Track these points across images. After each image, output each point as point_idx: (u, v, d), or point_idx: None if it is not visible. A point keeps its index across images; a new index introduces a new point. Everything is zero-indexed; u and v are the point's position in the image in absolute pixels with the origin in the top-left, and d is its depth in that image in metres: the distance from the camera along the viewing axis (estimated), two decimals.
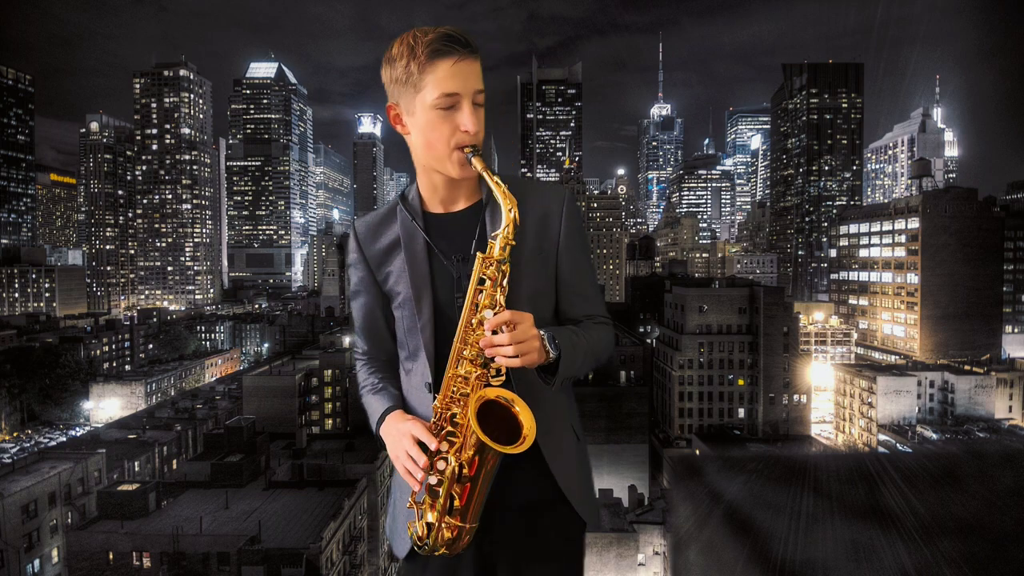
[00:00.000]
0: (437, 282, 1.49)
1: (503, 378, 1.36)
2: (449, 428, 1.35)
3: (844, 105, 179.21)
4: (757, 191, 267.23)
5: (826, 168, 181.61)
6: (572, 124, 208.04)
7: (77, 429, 71.64)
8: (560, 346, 1.36)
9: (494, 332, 1.31)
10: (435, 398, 1.40)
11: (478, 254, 1.37)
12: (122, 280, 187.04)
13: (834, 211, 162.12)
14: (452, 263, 1.49)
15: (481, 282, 1.36)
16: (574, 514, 1.55)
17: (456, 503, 1.32)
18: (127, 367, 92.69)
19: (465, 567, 1.50)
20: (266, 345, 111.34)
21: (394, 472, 1.58)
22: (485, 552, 1.51)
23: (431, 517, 1.33)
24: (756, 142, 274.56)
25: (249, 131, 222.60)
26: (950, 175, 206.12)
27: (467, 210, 1.51)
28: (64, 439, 64.09)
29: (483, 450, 1.29)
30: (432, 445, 1.32)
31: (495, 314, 1.33)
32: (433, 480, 1.33)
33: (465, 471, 1.30)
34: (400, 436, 1.38)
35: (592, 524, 1.59)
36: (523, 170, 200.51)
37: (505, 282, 1.36)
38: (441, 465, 1.32)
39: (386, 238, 1.54)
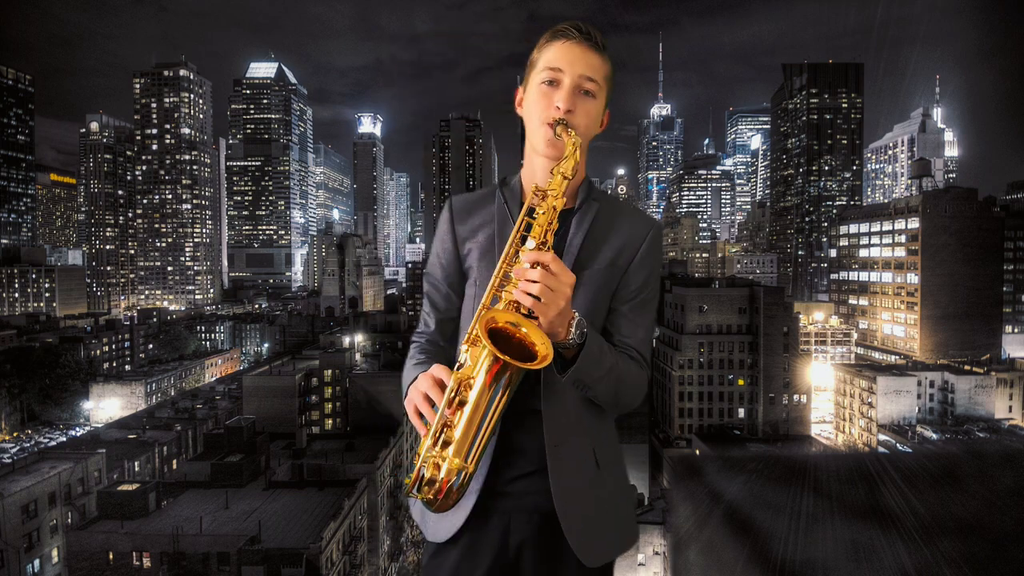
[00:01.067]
0: None
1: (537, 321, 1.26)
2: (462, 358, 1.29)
3: (844, 105, 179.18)
4: (757, 191, 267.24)
5: (826, 168, 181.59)
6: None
7: (77, 429, 71.65)
8: (587, 337, 1.30)
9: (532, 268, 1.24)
10: None
11: (534, 184, 1.37)
12: (122, 280, 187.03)
13: (834, 211, 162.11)
14: None
15: (531, 212, 1.33)
16: (581, 569, 1.43)
17: (448, 433, 1.22)
18: (127, 367, 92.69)
19: (484, 556, 1.45)
20: (266, 345, 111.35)
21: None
22: (506, 563, 1.44)
23: (429, 456, 1.25)
24: (756, 142, 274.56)
25: (249, 131, 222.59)
26: (950, 175, 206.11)
27: (561, 212, 1.44)
28: (64, 439, 64.09)
29: (492, 372, 1.20)
30: (448, 380, 1.25)
31: (537, 246, 1.28)
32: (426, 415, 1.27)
33: (464, 392, 1.22)
34: (420, 380, 1.33)
35: (588, 563, 1.45)
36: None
37: (554, 220, 1.32)
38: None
39: (479, 217, 1.53)
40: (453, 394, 1.22)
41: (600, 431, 1.52)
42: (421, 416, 1.28)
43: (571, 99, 1.38)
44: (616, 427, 1.60)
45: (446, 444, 1.21)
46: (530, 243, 1.29)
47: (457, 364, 1.28)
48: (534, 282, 1.21)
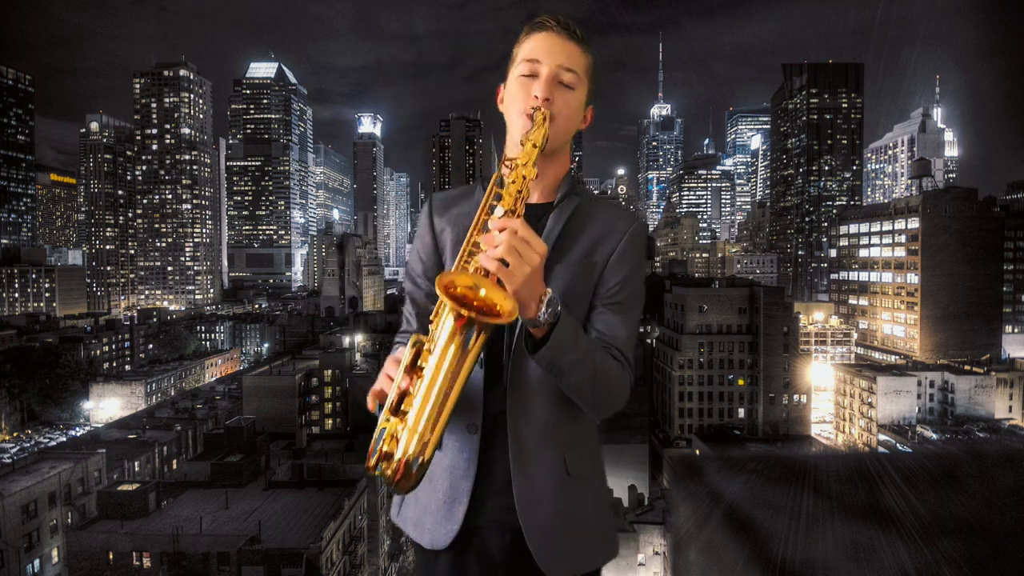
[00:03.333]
0: None
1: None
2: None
3: (844, 105, 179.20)
4: (757, 191, 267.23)
5: (826, 168, 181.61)
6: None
7: (77, 429, 71.64)
8: (560, 316, 1.21)
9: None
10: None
11: (504, 157, 1.33)
12: (122, 280, 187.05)
13: (834, 211, 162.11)
14: None
15: (500, 184, 1.27)
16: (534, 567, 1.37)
17: (406, 402, 1.13)
18: (127, 367, 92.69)
19: (472, 567, 1.41)
20: (266, 345, 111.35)
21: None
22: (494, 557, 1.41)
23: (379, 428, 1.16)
24: (756, 142, 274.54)
25: (249, 131, 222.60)
26: (950, 175, 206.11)
27: (539, 206, 1.44)
28: (64, 439, 64.09)
29: (453, 331, 1.10)
30: (410, 348, 1.15)
31: (506, 213, 1.20)
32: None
33: (423, 355, 1.13)
34: (385, 365, 1.28)
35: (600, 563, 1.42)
36: None
37: (526, 192, 1.24)
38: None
39: (457, 208, 1.50)
40: (411, 360, 1.13)
41: (574, 437, 1.44)
42: (382, 401, 1.19)
43: (549, 88, 1.35)
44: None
45: (404, 413, 1.12)
46: (499, 210, 1.20)
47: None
48: (497, 246, 1.13)
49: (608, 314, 1.41)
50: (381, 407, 1.17)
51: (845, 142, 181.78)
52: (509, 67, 1.44)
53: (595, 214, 1.44)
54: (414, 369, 1.12)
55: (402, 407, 1.12)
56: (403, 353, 1.15)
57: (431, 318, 1.18)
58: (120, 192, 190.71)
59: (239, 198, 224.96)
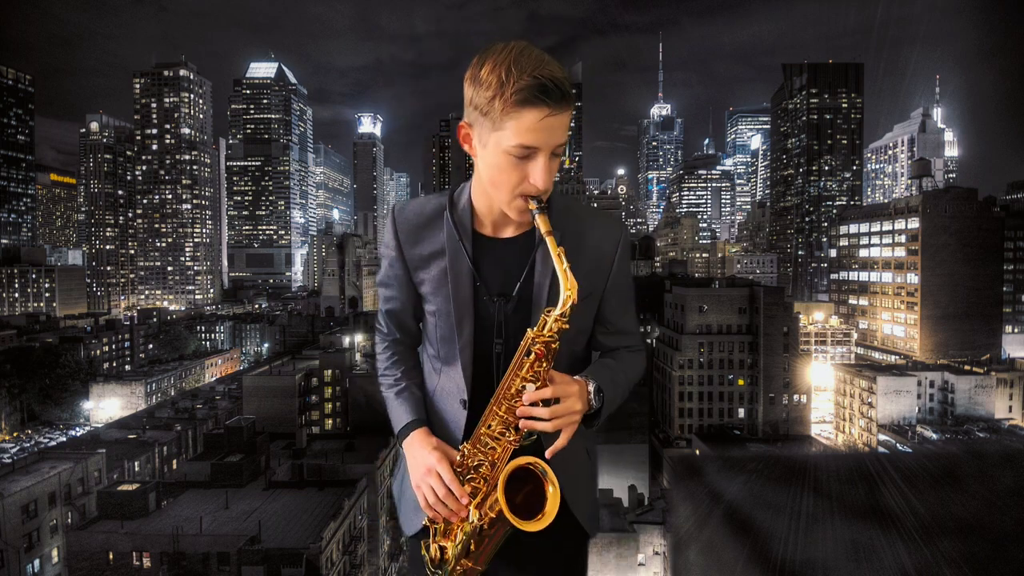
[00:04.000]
0: (479, 310, 1.46)
1: (534, 437, 1.35)
2: (473, 475, 1.37)
3: (844, 105, 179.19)
4: (757, 191, 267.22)
5: (826, 168, 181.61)
6: (572, 124, 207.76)
7: (77, 429, 71.64)
8: (604, 397, 1.38)
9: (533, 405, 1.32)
10: (466, 415, 1.47)
11: (528, 331, 1.32)
12: (122, 280, 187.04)
13: (834, 211, 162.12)
14: (492, 302, 1.45)
15: (527, 354, 1.31)
16: (576, 524, 1.55)
17: (472, 547, 1.36)
18: (127, 367, 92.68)
19: None
20: (266, 345, 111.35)
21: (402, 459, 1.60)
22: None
23: (448, 551, 1.39)
24: (756, 142, 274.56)
25: (249, 131, 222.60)
26: (950, 175, 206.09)
27: (518, 238, 1.45)
28: (64, 439, 64.08)
29: (502, 519, 1.30)
30: (458, 493, 1.35)
31: (537, 388, 1.30)
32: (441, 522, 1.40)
33: (484, 529, 1.34)
34: (425, 468, 1.40)
35: (593, 534, 1.62)
36: None
37: (551, 357, 1.32)
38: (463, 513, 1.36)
39: (429, 245, 1.47)
40: (477, 529, 1.34)
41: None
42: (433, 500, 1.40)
43: (548, 178, 1.27)
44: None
45: (469, 555, 1.38)
46: (530, 387, 1.32)
47: (467, 470, 1.38)
48: (545, 420, 1.29)
49: (621, 329, 1.55)
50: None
51: (845, 142, 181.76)
52: (479, 114, 1.25)
53: (580, 238, 1.43)
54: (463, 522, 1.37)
55: (468, 549, 1.38)
56: (453, 484, 1.36)
57: (483, 469, 1.36)
58: (120, 192, 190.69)
59: (239, 198, 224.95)
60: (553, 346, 1.30)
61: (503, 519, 1.30)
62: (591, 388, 1.36)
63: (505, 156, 1.25)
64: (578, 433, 1.45)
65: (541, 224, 1.28)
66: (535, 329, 1.31)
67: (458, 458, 1.39)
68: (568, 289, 1.27)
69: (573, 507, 1.52)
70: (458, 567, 1.38)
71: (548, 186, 1.28)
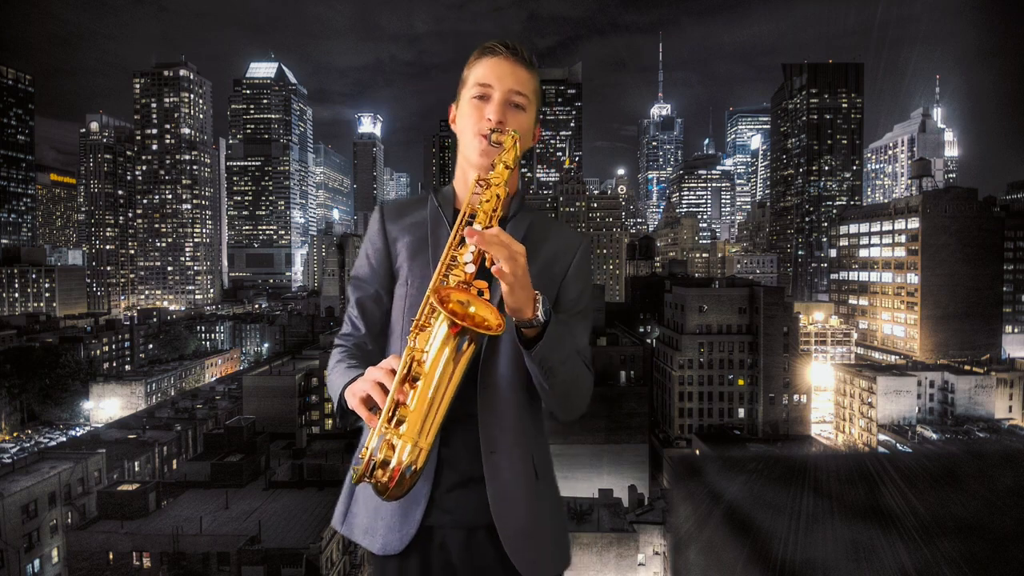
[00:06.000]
0: None
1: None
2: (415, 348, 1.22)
3: (844, 105, 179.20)
4: (757, 191, 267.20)
5: (826, 168, 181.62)
6: (572, 124, 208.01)
7: (77, 429, 71.63)
8: (551, 315, 1.29)
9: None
10: None
11: (474, 180, 1.37)
12: (122, 280, 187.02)
13: (834, 211, 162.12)
14: None
15: (472, 217, 1.31)
16: (506, 561, 1.40)
17: (401, 411, 1.16)
18: (127, 367, 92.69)
19: (428, 569, 1.43)
20: (266, 345, 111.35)
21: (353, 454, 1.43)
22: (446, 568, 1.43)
23: (375, 437, 1.18)
24: (756, 142, 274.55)
25: (249, 131, 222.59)
26: (950, 175, 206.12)
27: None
28: (64, 439, 64.08)
29: (447, 340, 1.16)
30: (405, 355, 1.20)
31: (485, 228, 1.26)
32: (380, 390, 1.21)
33: (415, 366, 1.18)
34: (370, 371, 1.24)
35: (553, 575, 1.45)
36: (523, 170, 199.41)
37: (498, 211, 1.31)
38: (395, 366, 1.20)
39: (411, 218, 1.55)
40: (406, 370, 1.18)
41: (537, 440, 1.50)
42: (371, 408, 1.20)
43: (501, 111, 1.42)
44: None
45: (399, 422, 1.15)
46: (476, 226, 1.28)
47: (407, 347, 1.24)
48: (499, 244, 1.20)
49: (571, 324, 1.47)
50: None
51: (845, 142, 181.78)
52: (460, 89, 1.49)
53: (548, 231, 1.53)
54: (406, 379, 1.17)
55: (396, 415, 1.16)
56: (392, 362, 1.20)
57: (413, 328, 1.22)
58: (120, 192, 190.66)
59: (239, 198, 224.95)
60: (498, 192, 1.31)
61: (450, 332, 1.16)
62: (538, 294, 1.27)
63: (470, 103, 1.45)
64: (520, 444, 1.42)
65: (500, 137, 1.38)
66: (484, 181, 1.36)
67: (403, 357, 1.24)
68: (513, 138, 1.36)
69: (505, 541, 1.39)
70: (384, 444, 1.15)
71: (502, 120, 1.41)
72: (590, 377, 1.44)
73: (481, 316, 1.18)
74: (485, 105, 1.43)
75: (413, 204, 1.58)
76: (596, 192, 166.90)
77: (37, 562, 30.75)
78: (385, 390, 1.18)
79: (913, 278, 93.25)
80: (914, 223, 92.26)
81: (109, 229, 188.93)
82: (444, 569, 1.42)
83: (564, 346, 1.33)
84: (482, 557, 1.41)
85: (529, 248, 1.37)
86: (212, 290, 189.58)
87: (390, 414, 1.16)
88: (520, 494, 1.42)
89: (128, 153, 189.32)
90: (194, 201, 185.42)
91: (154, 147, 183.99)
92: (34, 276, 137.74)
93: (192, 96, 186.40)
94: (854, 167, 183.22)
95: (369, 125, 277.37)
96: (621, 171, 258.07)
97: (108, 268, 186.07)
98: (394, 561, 1.43)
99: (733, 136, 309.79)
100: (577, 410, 1.42)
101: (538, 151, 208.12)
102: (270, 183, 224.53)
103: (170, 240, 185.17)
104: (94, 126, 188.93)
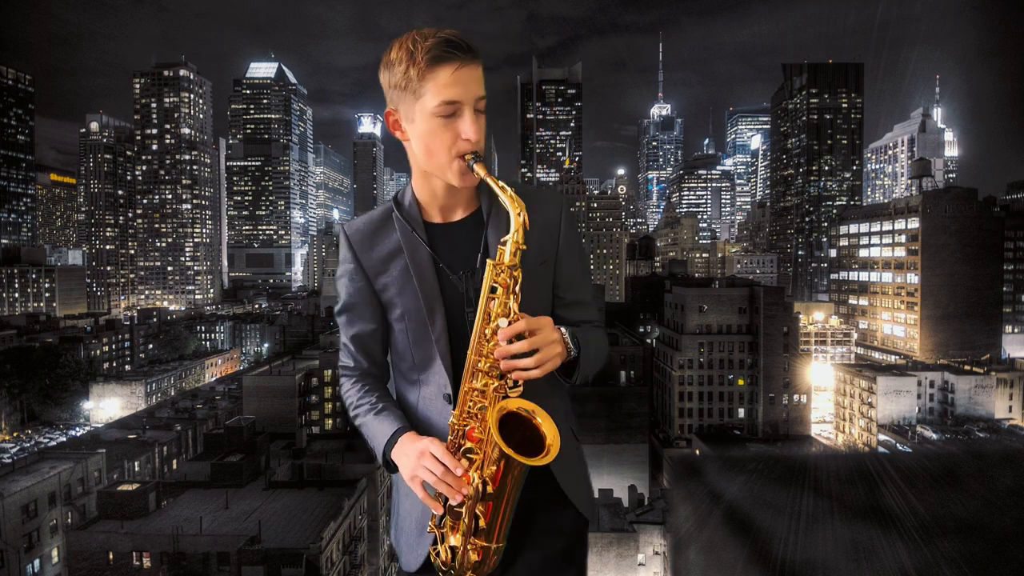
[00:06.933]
0: (446, 293, 1.45)
1: (520, 388, 1.30)
2: (467, 444, 1.30)
3: (844, 105, 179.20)
4: (757, 191, 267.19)
5: (826, 168, 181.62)
6: (572, 124, 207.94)
7: (77, 429, 71.64)
8: (580, 343, 1.36)
9: (509, 342, 1.28)
10: (451, 409, 1.39)
11: (488, 261, 1.32)
12: (122, 280, 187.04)
13: (834, 211, 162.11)
14: (459, 277, 1.45)
15: (493, 290, 1.31)
16: (575, 512, 1.54)
17: (481, 523, 1.26)
18: (127, 367, 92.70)
19: None
20: (266, 345, 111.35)
21: (395, 486, 1.55)
22: None
23: (455, 540, 1.30)
24: (756, 142, 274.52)
25: (249, 131, 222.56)
26: (950, 175, 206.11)
27: (467, 219, 1.47)
28: (64, 439, 64.08)
29: (507, 464, 1.23)
30: (453, 467, 1.26)
31: (510, 323, 1.28)
32: (453, 501, 1.28)
33: (489, 488, 1.25)
34: (417, 454, 1.31)
35: (592, 520, 1.60)
36: (523, 170, 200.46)
37: (517, 288, 1.30)
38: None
39: (384, 246, 1.46)
40: (480, 492, 1.25)
41: (567, 401, 1.60)
42: (433, 491, 1.32)
43: (478, 128, 1.31)
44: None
45: (480, 532, 1.27)
46: (502, 322, 1.29)
47: (459, 443, 1.32)
48: (525, 356, 1.27)
49: (578, 302, 1.52)
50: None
51: (845, 142, 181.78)
52: (400, 91, 1.32)
53: (529, 210, 1.40)
54: (485, 497, 1.27)
55: (477, 525, 1.28)
56: (439, 453, 1.28)
57: (476, 430, 1.30)
58: (120, 192, 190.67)
59: (239, 198, 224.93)
60: (516, 274, 1.30)
61: (507, 466, 1.23)
62: (564, 330, 1.34)
63: (433, 119, 1.29)
64: (560, 411, 1.49)
65: (480, 170, 1.31)
66: (494, 259, 1.32)
67: (449, 437, 1.34)
68: (517, 210, 1.29)
69: (568, 492, 1.51)
70: (470, 550, 1.29)
71: (479, 138, 1.32)
72: (606, 343, 1.51)
73: (542, 432, 1.27)
74: (455, 122, 1.30)
75: (379, 228, 1.48)
76: (596, 192, 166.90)
77: (37, 562, 30.75)
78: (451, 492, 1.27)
79: (913, 278, 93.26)
80: (914, 223, 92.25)
81: (109, 229, 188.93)
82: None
83: (589, 351, 1.38)
84: (535, 491, 1.48)
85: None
86: (212, 290, 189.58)
87: (471, 528, 1.28)
88: (572, 459, 1.54)
89: (128, 153, 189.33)
90: (194, 201, 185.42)
91: (154, 147, 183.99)
92: (34, 276, 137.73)
93: (192, 96, 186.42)
94: (854, 167, 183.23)
95: (369, 125, 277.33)
96: (621, 171, 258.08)
97: (108, 268, 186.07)
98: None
99: (733, 136, 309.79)
100: (598, 370, 1.49)
101: (538, 151, 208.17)
102: (270, 183, 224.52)
103: (170, 240, 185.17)
104: (94, 126, 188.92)
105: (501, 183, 1.32)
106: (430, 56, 1.26)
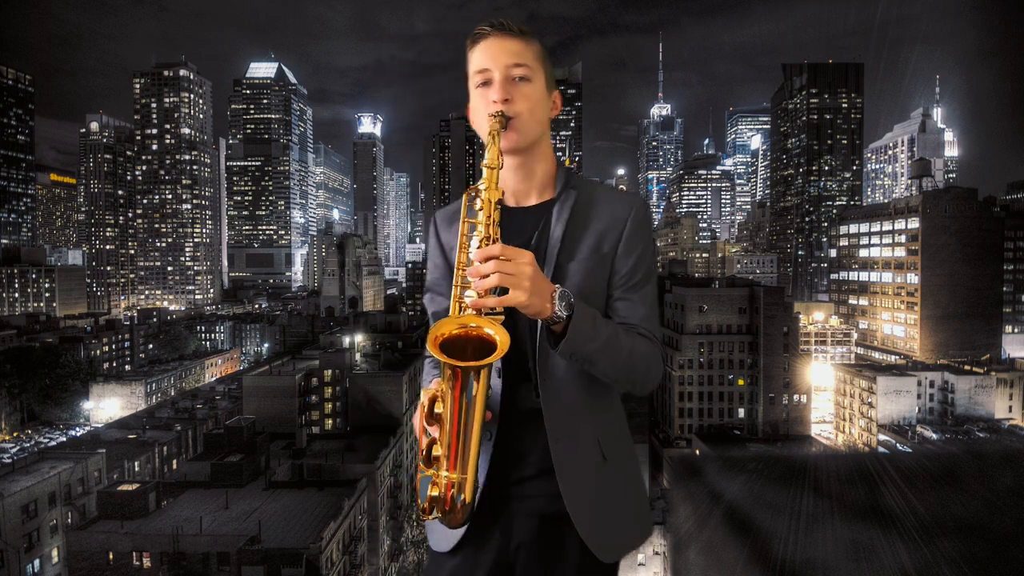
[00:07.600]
0: None
1: (502, 317, 1.24)
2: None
3: (844, 105, 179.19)
4: (757, 191, 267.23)
5: (826, 168, 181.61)
6: (572, 124, 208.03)
7: (77, 429, 71.65)
8: (574, 308, 1.27)
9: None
10: (501, 383, 1.40)
11: (468, 189, 1.34)
12: (122, 280, 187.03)
13: (834, 211, 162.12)
14: None
15: (472, 215, 1.31)
16: (580, 543, 1.40)
17: (436, 449, 1.21)
18: (127, 367, 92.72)
19: (483, 560, 1.44)
20: (266, 345, 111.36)
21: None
22: (505, 562, 1.45)
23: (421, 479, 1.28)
24: (756, 142, 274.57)
25: (249, 131, 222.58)
26: (950, 175, 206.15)
27: (540, 206, 1.47)
28: (64, 439, 64.10)
29: (454, 381, 1.18)
30: (426, 398, 1.24)
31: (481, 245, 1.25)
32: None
33: (437, 406, 1.21)
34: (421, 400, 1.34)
35: (605, 558, 1.43)
36: None
37: (493, 216, 1.28)
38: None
39: (458, 224, 1.48)
40: (428, 411, 1.22)
41: (606, 420, 1.49)
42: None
43: (504, 89, 1.37)
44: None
45: (436, 460, 1.21)
46: (473, 242, 1.28)
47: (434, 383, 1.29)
48: (487, 275, 1.20)
49: (624, 299, 1.45)
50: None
51: (845, 142, 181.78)
52: (468, 85, 1.46)
53: (595, 204, 1.46)
54: (433, 417, 1.21)
55: (433, 454, 1.21)
56: (427, 395, 1.24)
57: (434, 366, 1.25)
58: (120, 192, 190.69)
59: (239, 198, 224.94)
60: (489, 197, 1.28)
61: (455, 379, 1.18)
62: (558, 289, 1.26)
63: (475, 91, 1.42)
64: (588, 436, 1.43)
65: (493, 124, 1.34)
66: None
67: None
68: (489, 136, 1.33)
69: (575, 518, 1.38)
70: (433, 484, 1.22)
71: (506, 99, 1.37)
72: (653, 349, 1.40)
73: (485, 333, 1.19)
74: (488, 90, 1.40)
75: (459, 209, 1.50)
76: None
77: (37, 562, 30.75)
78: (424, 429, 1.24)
79: (913, 278, 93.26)
80: (914, 223, 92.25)
81: (109, 229, 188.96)
82: (497, 558, 1.44)
83: (597, 335, 1.30)
84: (558, 544, 1.41)
85: (575, 229, 1.43)
86: (212, 290, 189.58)
87: (426, 455, 1.22)
88: (589, 478, 1.41)
89: (128, 153, 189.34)
90: (194, 201, 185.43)
91: (154, 147, 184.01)
92: (34, 276, 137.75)
93: (192, 96, 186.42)
94: (854, 167, 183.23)
95: (369, 125, 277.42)
96: (621, 171, 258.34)
97: (108, 268, 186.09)
98: (444, 555, 1.48)
99: (733, 136, 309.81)
100: (644, 386, 1.39)
101: None
102: (270, 183, 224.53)
103: (170, 240, 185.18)
104: (94, 126, 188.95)
105: (498, 142, 1.33)
106: (470, 40, 1.43)
